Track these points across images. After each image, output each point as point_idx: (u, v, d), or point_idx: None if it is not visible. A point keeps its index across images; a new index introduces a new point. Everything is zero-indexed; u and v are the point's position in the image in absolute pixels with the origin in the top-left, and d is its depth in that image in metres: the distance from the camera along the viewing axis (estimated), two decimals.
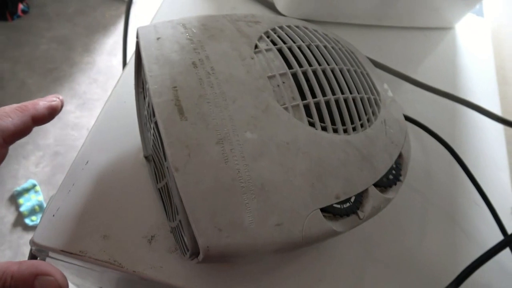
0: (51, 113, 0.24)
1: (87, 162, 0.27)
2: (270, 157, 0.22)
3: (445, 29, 0.48)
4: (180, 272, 0.25)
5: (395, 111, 0.29)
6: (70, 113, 1.21)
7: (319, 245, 0.29)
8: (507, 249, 0.33)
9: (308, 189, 0.22)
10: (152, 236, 0.25)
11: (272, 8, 0.42)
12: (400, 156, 0.27)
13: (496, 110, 0.43)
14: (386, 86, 0.31)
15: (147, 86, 0.22)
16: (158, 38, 0.24)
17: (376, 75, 0.31)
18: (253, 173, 0.21)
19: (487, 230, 0.33)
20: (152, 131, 0.24)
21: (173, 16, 0.27)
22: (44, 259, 0.28)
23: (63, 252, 0.24)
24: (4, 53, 1.29)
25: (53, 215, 0.25)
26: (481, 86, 0.44)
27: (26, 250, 0.91)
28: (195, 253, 0.20)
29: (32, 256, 0.27)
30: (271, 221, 0.21)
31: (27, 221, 1.00)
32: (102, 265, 0.24)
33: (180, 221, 0.21)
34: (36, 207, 1.02)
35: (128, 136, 0.28)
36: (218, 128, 0.21)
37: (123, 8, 1.46)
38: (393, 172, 0.26)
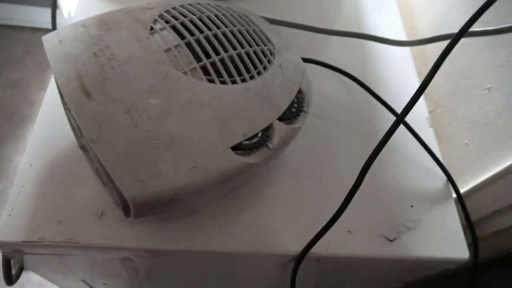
0: None
1: (31, 165, 0.30)
2: (175, 114, 0.25)
3: None
4: (132, 236, 0.28)
5: (291, 56, 0.33)
6: None
7: (256, 183, 0.33)
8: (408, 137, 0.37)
9: (216, 133, 0.26)
10: (102, 212, 0.29)
11: None
12: (300, 91, 0.31)
13: (402, 38, 0.47)
14: (282, 37, 0.34)
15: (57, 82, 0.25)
16: (60, 41, 0.27)
17: (272, 30, 0.35)
18: (162, 130, 0.24)
19: (406, 142, 0.38)
20: (72, 119, 0.27)
21: None
22: (21, 261, 0.31)
23: (24, 242, 0.27)
24: None
25: (10, 215, 0.28)
26: (385, 21, 0.48)
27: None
28: (126, 208, 0.24)
29: (6, 260, 0.30)
30: (186, 166, 0.24)
31: None
32: (61, 245, 0.27)
33: (107, 184, 0.24)
34: None
35: (64, 134, 0.31)
36: (124, 101, 0.25)
37: None
38: (295, 105, 0.30)
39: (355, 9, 0.48)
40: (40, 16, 1.46)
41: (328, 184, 0.34)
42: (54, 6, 0.44)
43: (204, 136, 0.25)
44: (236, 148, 0.26)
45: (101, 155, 0.23)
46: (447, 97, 0.47)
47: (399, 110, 0.38)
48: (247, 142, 0.27)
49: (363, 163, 0.36)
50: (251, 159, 0.27)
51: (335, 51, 0.44)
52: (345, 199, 0.27)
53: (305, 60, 0.35)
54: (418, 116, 0.40)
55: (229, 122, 0.26)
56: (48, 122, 0.32)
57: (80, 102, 0.24)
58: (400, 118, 0.26)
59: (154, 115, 0.25)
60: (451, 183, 0.37)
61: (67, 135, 0.31)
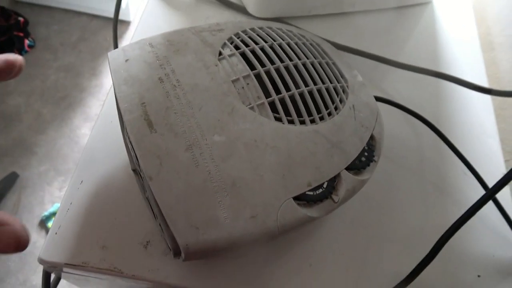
0: (7, 65, 0.20)
1: (81, 182, 0.29)
2: (239, 155, 0.23)
3: (422, 4, 0.48)
4: (175, 272, 0.27)
5: (364, 95, 0.30)
6: (85, 136, 1.26)
7: (308, 231, 0.30)
8: (493, 209, 0.33)
9: (279, 181, 0.24)
10: (147, 242, 0.27)
11: (244, 12, 0.43)
12: (372, 138, 0.28)
13: (482, 79, 0.43)
14: (355, 72, 0.32)
15: (119, 106, 0.24)
16: (126, 60, 0.26)
17: (345, 63, 0.32)
18: (223, 172, 0.23)
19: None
20: (129, 145, 0.26)
21: (151, 34, 0.28)
22: (60, 275, 0.31)
23: (67, 265, 0.26)
24: (17, 88, 1.36)
25: (56, 233, 0.27)
26: (464, 58, 0.44)
27: None
28: (177, 252, 0.22)
29: (46, 273, 0.29)
30: (245, 215, 0.22)
31: None
32: (104, 272, 0.26)
33: (160, 224, 0.23)
34: None
35: (117, 152, 0.30)
36: (187, 136, 0.23)
37: (123, 29, 1.51)
38: (366, 154, 0.27)
39: (434, 41, 0.44)
40: (98, 3, 1.50)
41: (386, 235, 0.31)
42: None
43: (266, 182, 0.23)
44: (298, 198, 0.24)
45: (159, 195, 0.21)
46: None
47: (473, 161, 0.35)
48: (311, 193, 0.24)
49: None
50: (313, 212, 0.24)
51: (406, 86, 0.40)
52: (412, 272, 0.24)
53: (378, 99, 0.32)
54: (495, 171, 0.36)
55: (294, 168, 0.24)
56: (102, 137, 0.31)
57: (142, 133, 0.22)
58: (491, 194, 0.23)
59: (216, 154, 0.23)
60: None
61: (121, 154, 0.30)
